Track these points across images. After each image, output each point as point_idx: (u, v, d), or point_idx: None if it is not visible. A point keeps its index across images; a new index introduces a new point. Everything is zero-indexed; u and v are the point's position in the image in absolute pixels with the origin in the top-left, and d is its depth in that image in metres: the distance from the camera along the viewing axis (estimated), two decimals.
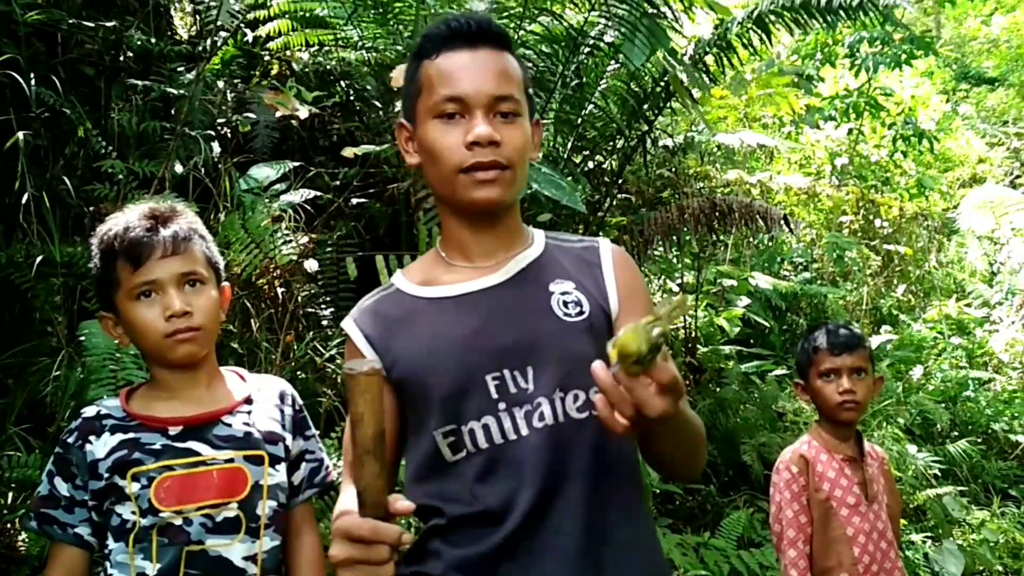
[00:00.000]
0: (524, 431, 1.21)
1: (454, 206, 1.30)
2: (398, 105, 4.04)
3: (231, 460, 1.39)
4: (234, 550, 1.36)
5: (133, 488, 1.33)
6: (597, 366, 0.97)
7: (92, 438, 1.37)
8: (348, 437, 1.27)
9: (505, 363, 1.22)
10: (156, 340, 1.38)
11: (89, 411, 1.41)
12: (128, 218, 1.42)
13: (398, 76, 3.09)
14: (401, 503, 1.02)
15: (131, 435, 1.37)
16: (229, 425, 1.42)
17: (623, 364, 0.95)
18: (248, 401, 1.47)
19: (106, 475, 1.34)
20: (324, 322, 3.72)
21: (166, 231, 1.40)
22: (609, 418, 0.97)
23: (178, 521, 1.34)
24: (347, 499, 1.22)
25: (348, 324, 1.33)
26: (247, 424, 1.44)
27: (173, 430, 1.38)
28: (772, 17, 3.94)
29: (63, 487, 1.38)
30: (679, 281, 5.65)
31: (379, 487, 1.00)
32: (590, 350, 1.23)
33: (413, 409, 1.27)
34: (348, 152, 3.46)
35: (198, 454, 1.37)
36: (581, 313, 1.27)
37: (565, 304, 1.28)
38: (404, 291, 1.33)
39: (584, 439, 1.22)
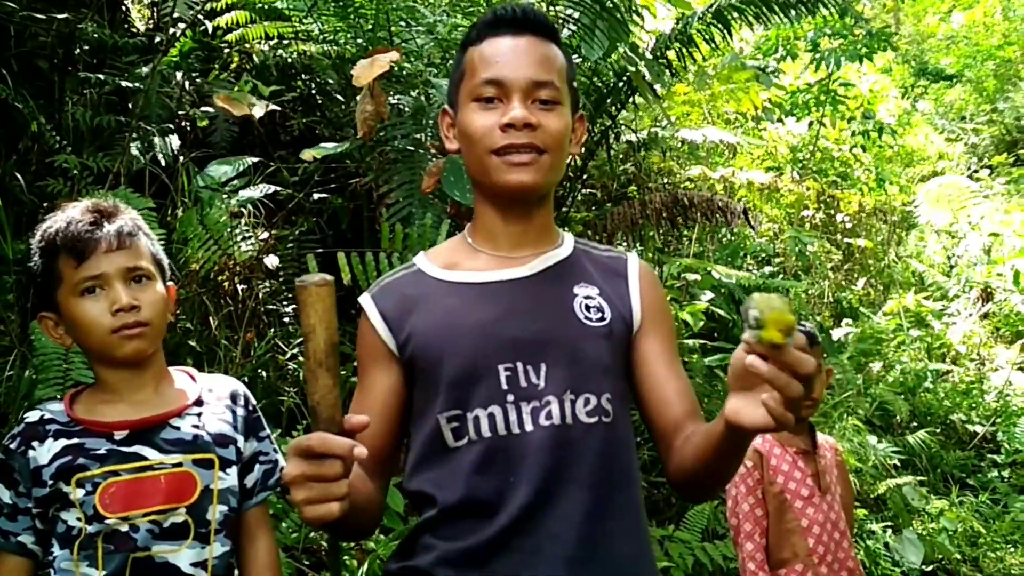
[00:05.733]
0: (529, 427, 1.19)
1: (487, 190, 1.29)
2: (359, 99, 4.02)
3: (179, 464, 1.36)
4: (181, 556, 1.34)
5: (78, 494, 1.30)
6: (754, 360, 0.92)
7: (35, 444, 1.33)
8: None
9: (519, 355, 1.21)
10: (102, 336, 1.34)
11: (32, 416, 1.37)
12: (70, 214, 1.38)
13: (359, 74, 3.06)
14: (356, 418, 1.01)
15: (75, 440, 1.33)
16: (178, 428, 1.39)
17: (774, 339, 0.90)
18: (198, 403, 1.44)
19: (50, 482, 1.31)
20: (285, 319, 3.68)
21: (111, 226, 1.37)
22: (783, 414, 0.93)
23: (124, 528, 1.31)
24: None
25: (365, 299, 1.32)
26: (196, 427, 1.40)
27: (119, 434, 1.35)
28: (732, 12, 3.97)
29: (6, 495, 1.34)
30: None
31: (332, 402, 0.98)
32: (607, 356, 1.25)
33: (422, 389, 1.26)
34: (307, 155, 3.42)
35: (145, 459, 1.34)
36: (602, 319, 1.27)
37: (587, 308, 1.27)
38: (425, 272, 1.33)
39: (590, 445, 1.20)
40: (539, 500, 1.17)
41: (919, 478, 4.80)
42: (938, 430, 5.55)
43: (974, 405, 5.98)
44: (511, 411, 1.19)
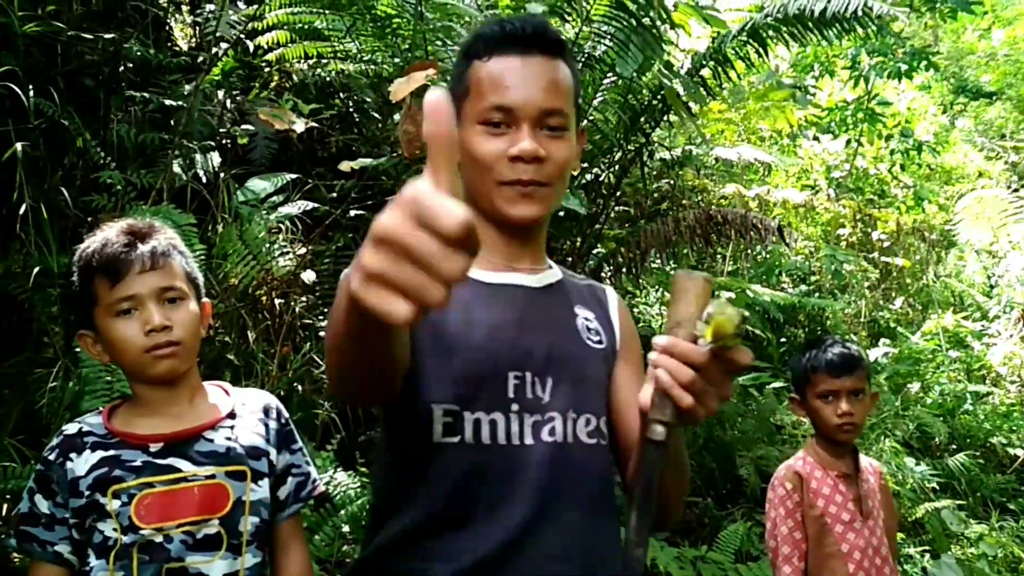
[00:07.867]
0: (529, 440, 1.16)
1: (487, 214, 1.25)
2: (397, 117, 4.06)
3: (212, 476, 1.38)
4: (214, 567, 1.35)
5: (114, 505, 1.33)
6: (688, 348, 0.92)
7: (73, 455, 1.36)
8: None
9: (529, 365, 1.19)
10: (136, 356, 1.37)
11: (70, 428, 1.40)
12: (106, 235, 1.42)
13: (396, 90, 3.10)
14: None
15: (112, 452, 1.36)
16: (211, 441, 1.41)
17: (719, 342, 0.90)
18: (231, 416, 1.47)
19: (87, 493, 1.34)
20: (321, 333, 3.72)
21: (144, 247, 1.40)
22: (694, 407, 0.93)
23: (159, 538, 1.33)
24: None
25: None
26: (229, 439, 1.43)
27: (154, 447, 1.38)
28: (768, 30, 3.95)
29: (44, 504, 1.37)
30: None
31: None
32: (605, 379, 1.25)
33: (419, 371, 1.15)
34: (345, 166, 3.47)
35: (179, 470, 1.37)
36: (600, 342, 1.28)
37: (588, 329, 1.28)
38: None
39: (589, 466, 1.19)
40: (537, 519, 1.13)
41: (958, 502, 4.72)
42: (978, 453, 5.45)
43: (1015, 428, 5.87)
44: (514, 421, 1.16)
